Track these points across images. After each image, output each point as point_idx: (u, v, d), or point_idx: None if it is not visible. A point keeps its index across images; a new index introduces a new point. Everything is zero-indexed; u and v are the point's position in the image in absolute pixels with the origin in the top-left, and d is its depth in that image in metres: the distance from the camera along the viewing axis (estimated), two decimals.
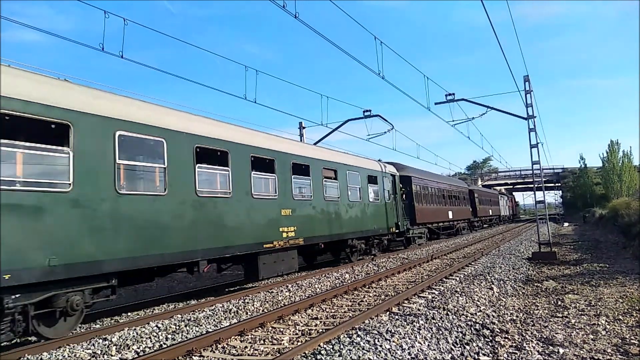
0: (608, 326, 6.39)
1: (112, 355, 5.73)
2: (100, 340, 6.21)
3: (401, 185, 19.91)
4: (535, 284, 10.22)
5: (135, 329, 6.80)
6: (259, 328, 6.83)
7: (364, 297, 9.27)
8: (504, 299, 8.54)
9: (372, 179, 16.64)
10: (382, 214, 17.16)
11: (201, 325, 7.09)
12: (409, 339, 5.60)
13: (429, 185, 25.73)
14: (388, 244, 18.73)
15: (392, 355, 5.05)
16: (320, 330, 6.47)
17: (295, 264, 11.63)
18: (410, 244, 21.09)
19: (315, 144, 19.14)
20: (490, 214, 45.23)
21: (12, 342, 6.78)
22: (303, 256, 14.73)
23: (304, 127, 21.16)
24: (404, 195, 20.19)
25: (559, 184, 77.87)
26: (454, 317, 6.81)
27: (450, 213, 28.71)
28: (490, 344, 5.67)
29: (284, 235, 10.92)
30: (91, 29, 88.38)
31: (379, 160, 18.78)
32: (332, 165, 13.90)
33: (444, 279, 10.86)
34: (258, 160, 10.41)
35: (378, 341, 5.41)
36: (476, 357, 5.21)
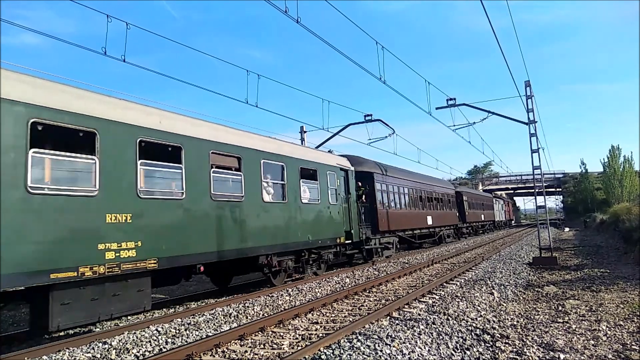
0: (609, 332, 6.37)
1: (111, 359, 5.72)
2: (100, 344, 6.20)
3: (360, 184, 16.46)
4: (536, 289, 10.20)
5: (135, 333, 6.79)
6: (259, 332, 6.82)
7: (365, 301, 9.27)
8: (505, 304, 8.54)
9: (308, 174, 12.77)
10: (325, 220, 13.33)
11: (201, 329, 7.08)
12: (410, 343, 5.59)
13: (399, 184, 21.33)
14: (350, 257, 15.73)
15: None
16: (321, 335, 6.47)
17: (144, 299, 7.64)
18: (372, 257, 17.08)
19: (316, 147, 18.82)
20: (483, 219, 40.89)
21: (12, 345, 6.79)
22: (212, 278, 11.63)
23: (305, 131, 21.18)
24: (364, 197, 16.75)
25: (560, 189, 77.90)
26: (455, 322, 6.80)
27: (429, 218, 24.41)
28: (491, 349, 5.66)
29: (110, 255, 6.97)
30: (93, 32, 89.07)
31: (330, 151, 15.81)
32: (230, 149, 9.83)
33: (445, 284, 10.84)
34: (51, 132, 6.56)
35: (378, 346, 5.40)
36: None
